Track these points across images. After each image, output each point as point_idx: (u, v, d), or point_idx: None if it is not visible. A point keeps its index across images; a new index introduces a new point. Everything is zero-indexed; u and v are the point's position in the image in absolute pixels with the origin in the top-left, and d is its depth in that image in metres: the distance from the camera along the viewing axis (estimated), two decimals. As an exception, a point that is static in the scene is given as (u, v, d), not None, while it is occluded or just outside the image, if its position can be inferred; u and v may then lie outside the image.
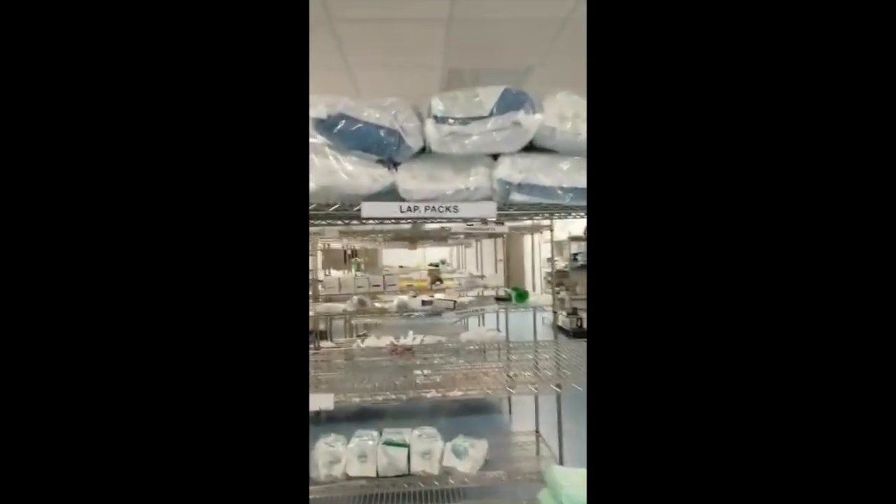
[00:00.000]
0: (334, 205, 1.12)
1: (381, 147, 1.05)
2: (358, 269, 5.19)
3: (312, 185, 1.03)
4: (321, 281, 2.96)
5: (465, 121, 1.03)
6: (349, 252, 5.95)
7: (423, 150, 1.12)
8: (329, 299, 2.89)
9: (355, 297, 2.49)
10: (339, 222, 1.66)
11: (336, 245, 4.48)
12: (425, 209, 1.10)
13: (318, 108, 1.01)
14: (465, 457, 2.22)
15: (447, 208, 1.10)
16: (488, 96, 1.04)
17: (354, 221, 2.39)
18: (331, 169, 1.05)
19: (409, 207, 1.10)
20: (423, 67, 2.32)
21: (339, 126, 1.03)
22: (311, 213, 1.11)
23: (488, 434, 2.29)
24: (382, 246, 6.52)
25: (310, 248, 2.97)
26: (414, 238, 3.88)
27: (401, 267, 5.28)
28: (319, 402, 1.22)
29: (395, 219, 1.15)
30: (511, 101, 1.04)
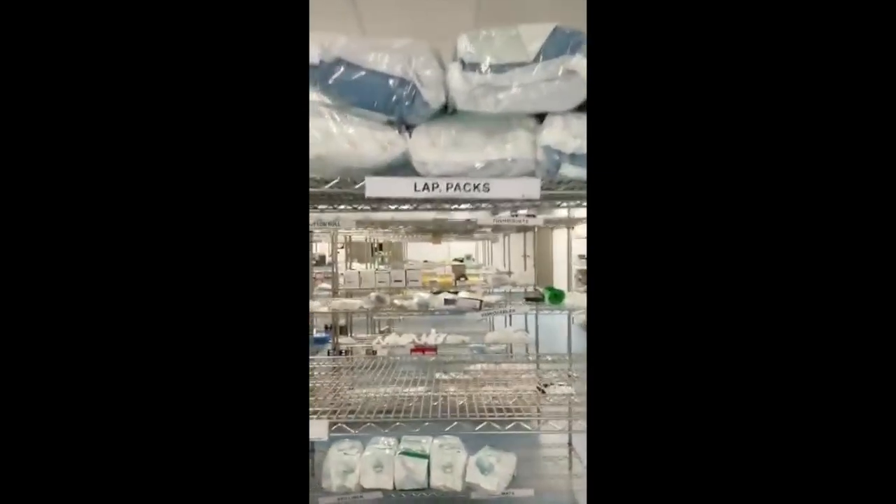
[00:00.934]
0: (332, 181, 0.88)
1: (390, 103, 0.80)
2: (381, 263, 5.03)
3: (302, 154, 0.79)
4: (342, 274, 2.78)
5: (501, 68, 0.77)
6: (375, 246, 5.80)
7: (445, 110, 0.86)
8: (349, 294, 2.72)
9: (373, 294, 2.29)
10: (349, 207, 1.43)
11: (359, 238, 4.31)
12: (447, 187, 0.85)
13: (310, 50, 0.77)
14: (491, 473, 1.99)
15: (475, 187, 0.85)
16: (533, 36, 0.78)
17: (367, 207, 2.17)
18: (326, 132, 0.82)
19: (425, 185, 0.85)
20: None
21: (335, 75, 0.78)
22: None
23: (515, 445, 2.04)
24: (406, 239, 6.35)
25: (330, 240, 2.77)
26: (437, 231, 3.65)
27: (425, 262, 5.09)
28: (314, 430, 1.00)
29: (407, 200, 0.91)
30: (564, 43, 0.77)
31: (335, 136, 0.81)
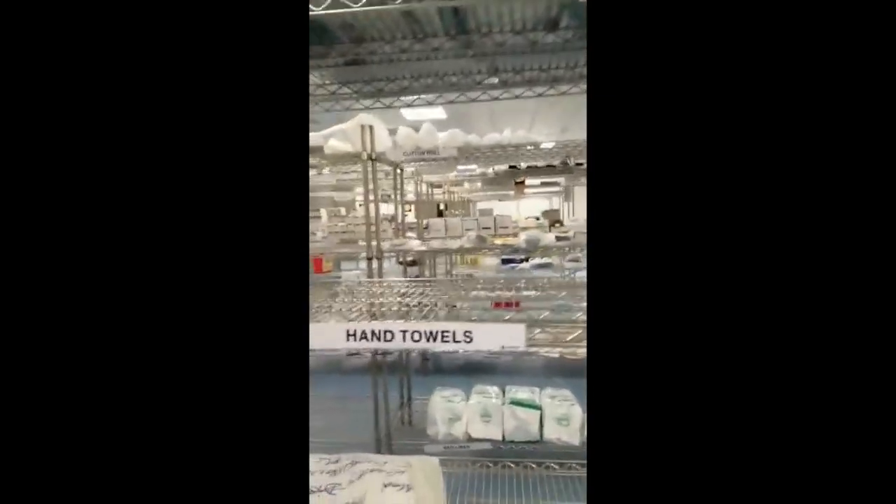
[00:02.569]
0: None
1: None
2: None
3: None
4: (426, 224, 2.66)
5: None
6: (442, 206, 5.69)
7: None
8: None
9: (472, 233, 2.13)
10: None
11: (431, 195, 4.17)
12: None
13: None
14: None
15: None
16: None
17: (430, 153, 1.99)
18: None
19: None
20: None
21: None
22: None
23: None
24: (476, 197, 6.14)
25: (397, 190, 2.63)
26: (516, 176, 3.38)
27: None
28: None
29: None
30: None
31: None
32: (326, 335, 0.66)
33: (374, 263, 2.00)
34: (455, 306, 1.77)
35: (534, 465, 1.93)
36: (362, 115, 1.97)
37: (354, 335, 0.64)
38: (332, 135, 2.02)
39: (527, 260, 4.39)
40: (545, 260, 4.49)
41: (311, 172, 2.81)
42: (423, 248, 2.08)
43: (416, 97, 3.57)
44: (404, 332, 0.63)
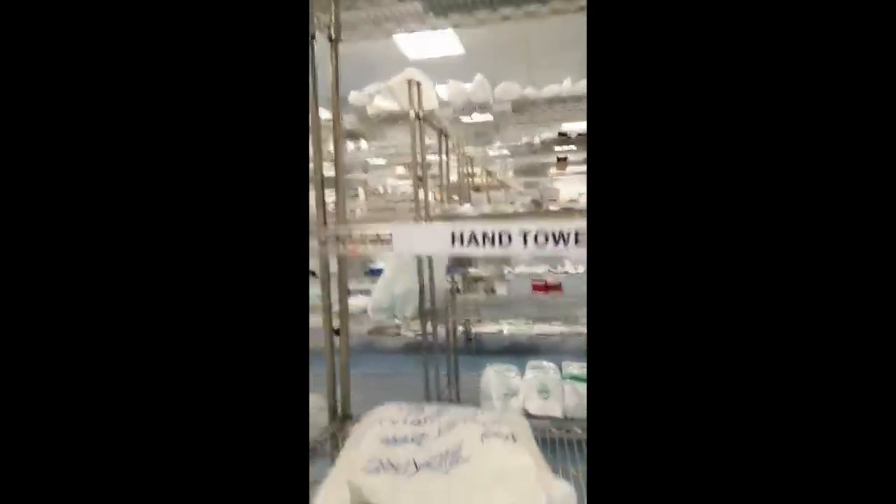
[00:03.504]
0: None
1: None
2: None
3: None
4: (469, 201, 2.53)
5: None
6: (473, 187, 5.54)
7: None
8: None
9: (528, 198, 2.00)
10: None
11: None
12: None
13: None
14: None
15: None
16: None
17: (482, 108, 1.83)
18: None
19: None
20: None
21: None
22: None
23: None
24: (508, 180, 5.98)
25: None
26: (559, 148, 3.20)
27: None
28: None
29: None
30: None
31: None
32: (427, 237, 0.55)
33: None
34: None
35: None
36: (409, 70, 1.85)
37: (461, 239, 0.52)
38: (377, 92, 1.91)
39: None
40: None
41: (350, 147, 2.70)
42: (475, 213, 1.95)
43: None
44: (525, 233, 0.50)
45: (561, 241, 0.50)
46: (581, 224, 0.52)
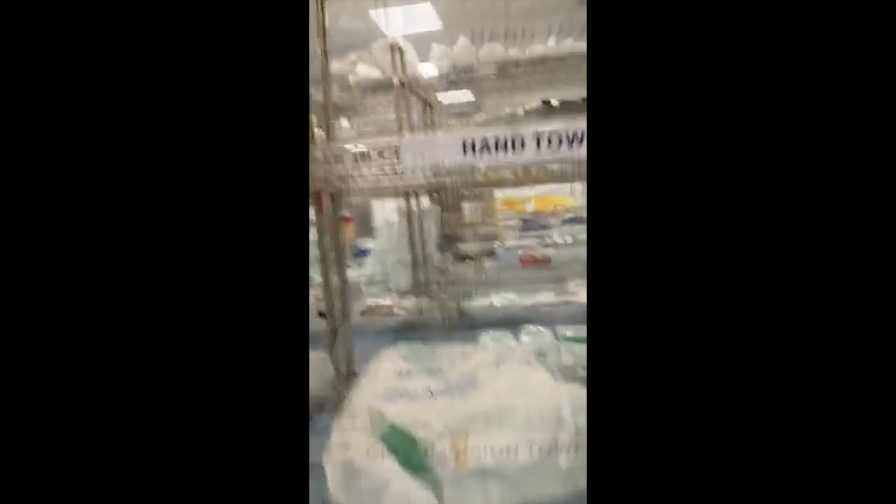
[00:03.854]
0: None
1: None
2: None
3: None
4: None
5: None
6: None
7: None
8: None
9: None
10: None
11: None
12: None
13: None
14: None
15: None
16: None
17: (466, 72, 1.81)
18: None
19: None
20: None
21: None
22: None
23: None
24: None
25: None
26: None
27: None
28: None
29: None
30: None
31: None
32: (437, 147, 0.54)
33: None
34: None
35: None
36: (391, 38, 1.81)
37: (473, 147, 0.51)
38: (359, 60, 1.87)
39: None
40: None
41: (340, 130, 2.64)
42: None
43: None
44: (539, 135, 0.49)
45: (575, 142, 0.49)
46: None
